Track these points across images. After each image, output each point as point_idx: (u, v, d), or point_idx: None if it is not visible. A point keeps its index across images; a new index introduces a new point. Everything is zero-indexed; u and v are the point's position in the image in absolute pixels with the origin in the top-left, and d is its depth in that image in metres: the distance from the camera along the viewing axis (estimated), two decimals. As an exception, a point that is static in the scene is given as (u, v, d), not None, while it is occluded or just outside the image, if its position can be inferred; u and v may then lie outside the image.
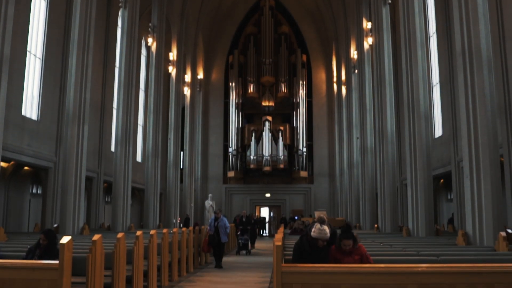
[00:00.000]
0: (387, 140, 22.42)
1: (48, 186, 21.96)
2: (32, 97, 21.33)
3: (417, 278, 5.70)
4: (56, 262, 6.05)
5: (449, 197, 26.15)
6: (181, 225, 31.27)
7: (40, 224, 21.07)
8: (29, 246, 8.25)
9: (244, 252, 20.12)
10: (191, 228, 15.44)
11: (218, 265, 14.92)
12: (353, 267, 5.88)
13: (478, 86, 12.22)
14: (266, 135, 40.84)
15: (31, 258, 7.46)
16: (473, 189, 12.15)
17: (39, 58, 21.67)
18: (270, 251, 21.28)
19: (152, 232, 10.23)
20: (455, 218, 21.38)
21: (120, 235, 8.17)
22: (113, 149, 26.07)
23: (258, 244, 23.64)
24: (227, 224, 15.47)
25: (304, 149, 41.58)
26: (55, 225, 17.97)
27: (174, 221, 31.32)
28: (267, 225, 39.99)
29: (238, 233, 21.02)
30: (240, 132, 42.48)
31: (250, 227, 21.49)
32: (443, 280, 5.69)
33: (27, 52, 20.58)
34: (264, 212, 43.37)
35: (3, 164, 18.33)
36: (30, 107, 21.10)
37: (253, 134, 41.26)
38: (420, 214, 16.70)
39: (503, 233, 10.37)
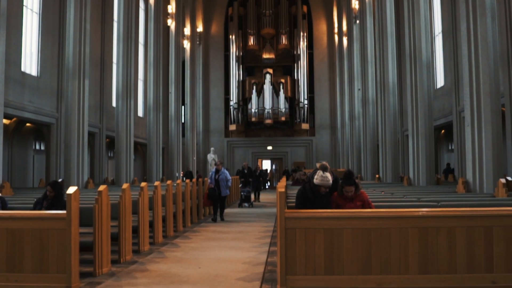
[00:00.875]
0: (388, 91, 22.37)
1: (51, 142, 22.05)
2: (31, 53, 21.15)
3: (417, 222, 5.83)
4: (64, 212, 6.18)
5: (450, 148, 26.29)
6: (184, 178, 31.55)
7: (45, 179, 21.28)
8: (36, 199, 8.39)
9: (246, 204, 19.98)
10: (194, 180, 15.52)
11: (220, 219, 14.50)
12: (355, 212, 6.00)
13: (481, 34, 12.10)
14: (267, 88, 40.66)
15: (39, 210, 7.59)
16: (474, 137, 12.22)
17: (36, 13, 21.36)
18: (272, 203, 21.52)
19: (156, 183, 10.38)
20: (456, 167, 21.54)
21: (125, 185, 8.30)
22: (114, 104, 26.05)
23: (261, 197, 23.87)
24: (229, 177, 14.71)
25: (306, 102, 41.46)
26: (60, 180, 18.16)
27: (177, 174, 31.61)
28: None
29: (240, 185, 21.01)
30: (241, 85, 42.28)
31: (253, 179, 21.46)
32: (443, 223, 5.82)
33: (24, 7, 20.28)
34: (266, 164, 43.67)
35: (5, 121, 18.35)
36: (30, 63, 20.96)
37: (254, 87, 41.08)
38: (421, 164, 16.86)
39: (502, 180, 10.50)
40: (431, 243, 5.78)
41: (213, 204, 14.66)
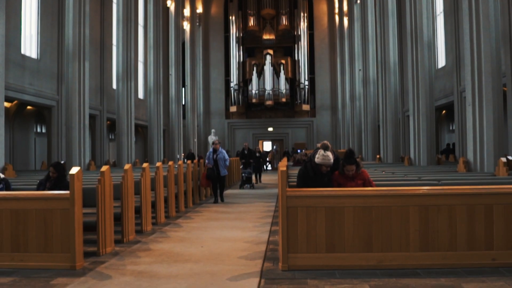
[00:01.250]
0: (389, 71, 22.33)
1: (52, 125, 22.08)
2: (31, 35, 21.07)
3: (418, 200, 5.87)
4: (67, 192, 6.22)
5: (451, 128, 26.29)
6: (185, 160, 31.62)
7: (47, 162, 21.36)
8: (39, 180, 8.44)
9: (247, 185, 19.82)
10: (195, 161, 15.50)
11: (220, 199, 14.33)
12: (356, 190, 6.03)
13: (483, 13, 12.04)
14: (268, 69, 40.55)
15: (42, 191, 7.63)
16: (475, 117, 12.23)
17: (35, -5, 21.27)
18: (274, 184, 21.61)
19: (158, 164, 10.41)
20: (457, 147, 21.58)
21: (127, 166, 8.34)
22: (114, 86, 26.03)
23: (262, 178, 23.91)
24: (226, 156, 14.52)
25: (306, 83, 41.37)
26: (62, 162, 18.20)
27: (178, 156, 31.68)
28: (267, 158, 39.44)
29: (241, 166, 20.97)
30: (241, 66, 42.16)
31: (254, 160, 21.41)
32: (444, 201, 5.86)
33: (22, -11, 20.18)
34: (267, 146, 43.73)
35: (6, 104, 18.34)
36: (29, 46, 20.89)
37: (255, 68, 40.96)
38: (422, 144, 16.89)
39: (503, 159, 10.54)
40: (431, 221, 5.82)
41: (211, 184, 14.52)
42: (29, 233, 6.17)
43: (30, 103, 20.97)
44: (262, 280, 5.49)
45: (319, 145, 6.53)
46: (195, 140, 38.51)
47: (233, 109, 41.97)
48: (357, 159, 6.52)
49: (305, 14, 41.98)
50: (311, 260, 5.82)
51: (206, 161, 14.58)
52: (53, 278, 5.68)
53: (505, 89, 14.38)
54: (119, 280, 5.60)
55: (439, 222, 5.82)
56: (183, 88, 37.85)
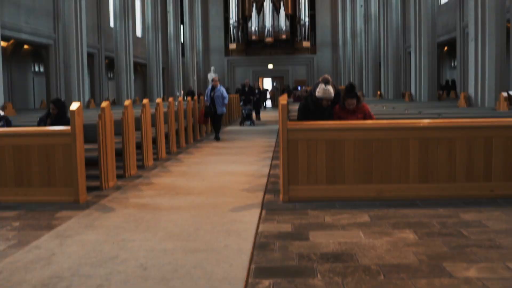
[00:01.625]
0: (391, 7, 21.95)
1: (50, 64, 21.87)
2: (24, -30, 20.54)
3: (418, 133, 5.88)
4: (68, 127, 6.23)
5: (452, 65, 26.07)
6: (185, 96, 31.54)
7: (46, 101, 21.30)
8: (39, 117, 8.43)
9: (248, 122, 19.66)
10: (195, 97, 15.42)
11: (217, 137, 13.94)
12: (357, 123, 6.04)
13: None
14: (267, 5, 39.81)
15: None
16: (477, 52, 12.13)
17: None
18: (274, 121, 21.58)
19: (158, 100, 10.38)
20: (458, 84, 21.47)
21: (127, 102, 8.32)
22: (112, 24, 25.58)
23: (262, 115, 23.83)
24: (225, 94, 13.90)
25: (307, 19, 40.70)
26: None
27: (178, 94, 31.58)
28: (268, 95, 38.77)
29: (241, 103, 20.83)
30: (241, 2, 41.32)
31: (254, 97, 21.22)
32: (444, 134, 5.88)
33: None
34: (267, 83, 43.53)
35: (2, 43, 18.07)
36: (23, -18, 20.41)
37: (254, 5, 40.19)
38: (423, 79, 16.82)
39: (504, 94, 10.51)
40: (431, 153, 5.86)
41: (211, 122, 14.28)
42: (32, 169, 6.22)
43: (26, 42, 20.69)
44: (263, 211, 5.59)
45: (320, 79, 6.48)
46: (195, 78, 38.27)
47: (232, 46, 41.46)
48: (358, 93, 6.49)
49: None
50: (312, 192, 5.90)
51: (205, 98, 14.25)
52: (58, 211, 5.77)
53: (508, 25, 14.17)
54: (123, 212, 5.70)
55: (439, 155, 5.86)
56: (182, 26, 37.21)
